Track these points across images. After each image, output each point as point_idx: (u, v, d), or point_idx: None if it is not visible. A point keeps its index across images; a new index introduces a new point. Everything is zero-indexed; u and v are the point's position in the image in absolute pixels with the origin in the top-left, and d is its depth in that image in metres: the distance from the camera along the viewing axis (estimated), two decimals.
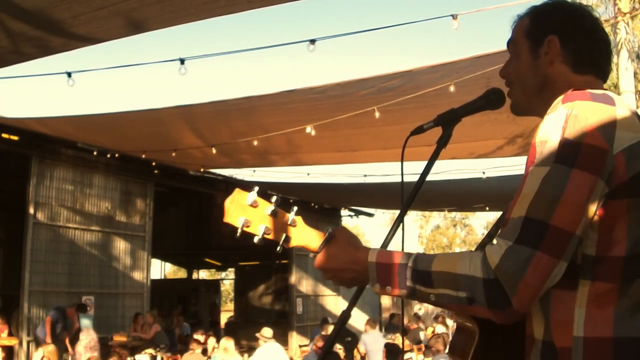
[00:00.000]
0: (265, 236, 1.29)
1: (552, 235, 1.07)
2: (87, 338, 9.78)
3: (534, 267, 1.06)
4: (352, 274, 1.29)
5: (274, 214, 1.30)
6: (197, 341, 9.83)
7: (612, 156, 1.09)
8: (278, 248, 1.32)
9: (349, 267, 1.28)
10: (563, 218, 1.08)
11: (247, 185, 1.32)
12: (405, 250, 1.28)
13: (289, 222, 1.32)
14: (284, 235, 1.31)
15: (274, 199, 1.30)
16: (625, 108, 1.16)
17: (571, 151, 1.09)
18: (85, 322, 10.34)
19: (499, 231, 1.17)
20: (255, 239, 1.29)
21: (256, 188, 1.29)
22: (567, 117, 1.12)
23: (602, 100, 1.15)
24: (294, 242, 1.32)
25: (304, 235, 1.33)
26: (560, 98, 1.19)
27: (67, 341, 9.81)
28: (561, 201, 1.08)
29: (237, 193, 1.29)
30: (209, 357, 9.49)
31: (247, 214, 1.28)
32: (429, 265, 1.18)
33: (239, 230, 1.28)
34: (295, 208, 1.33)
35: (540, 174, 1.11)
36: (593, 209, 1.10)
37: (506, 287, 1.08)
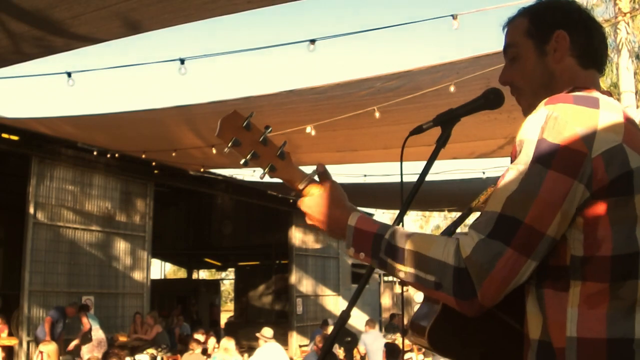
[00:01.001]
0: (253, 160, 1.32)
1: (524, 233, 1.08)
2: (97, 338, 9.81)
3: (503, 262, 1.08)
4: (331, 229, 1.34)
5: (264, 142, 1.33)
6: (197, 341, 9.84)
7: (590, 160, 1.09)
8: (261, 175, 1.35)
9: (329, 223, 1.33)
10: (536, 217, 1.09)
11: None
12: (385, 222, 1.29)
13: (277, 154, 1.34)
14: (270, 164, 1.33)
15: (268, 129, 1.33)
16: (611, 110, 1.16)
17: (548, 152, 1.10)
18: (93, 322, 10.35)
19: (473, 221, 1.18)
20: (242, 160, 1.32)
21: (253, 113, 1.32)
22: (548, 118, 1.13)
23: (585, 104, 1.15)
24: (278, 174, 1.35)
25: (290, 171, 1.36)
26: (544, 100, 1.19)
27: (60, 342, 9.79)
28: (536, 200, 1.09)
29: (234, 114, 1.32)
30: (209, 357, 9.49)
31: (239, 134, 1.31)
32: (404, 242, 1.19)
33: (227, 147, 1.31)
34: (286, 142, 1.35)
35: (518, 171, 1.13)
36: (571, 212, 1.10)
37: (473, 279, 1.09)
